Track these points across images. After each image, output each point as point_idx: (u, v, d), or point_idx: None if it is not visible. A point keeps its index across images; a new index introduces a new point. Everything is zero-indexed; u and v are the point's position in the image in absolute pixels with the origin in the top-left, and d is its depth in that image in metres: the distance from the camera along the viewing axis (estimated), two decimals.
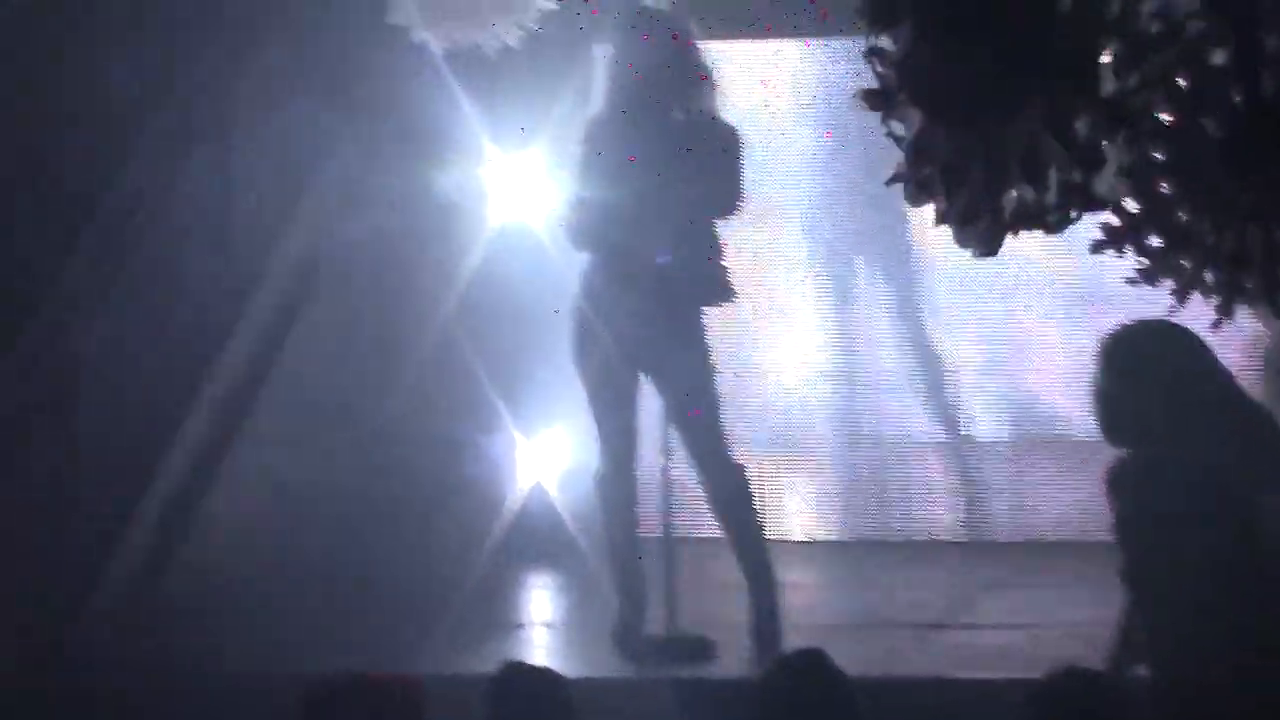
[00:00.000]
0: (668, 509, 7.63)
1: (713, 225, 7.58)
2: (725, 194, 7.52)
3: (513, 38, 7.63)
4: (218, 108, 8.64)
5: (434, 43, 7.64)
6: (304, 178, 8.97)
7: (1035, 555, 9.43)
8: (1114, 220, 3.89)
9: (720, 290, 7.61)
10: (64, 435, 7.97)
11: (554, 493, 9.46)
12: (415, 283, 9.20)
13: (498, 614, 8.58)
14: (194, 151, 8.53)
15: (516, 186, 9.45)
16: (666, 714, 7.03)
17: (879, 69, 3.86)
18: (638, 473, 7.72)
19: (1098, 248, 3.94)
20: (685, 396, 7.57)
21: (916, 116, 3.81)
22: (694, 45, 7.55)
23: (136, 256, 8.31)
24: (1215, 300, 3.91)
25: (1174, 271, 3.88)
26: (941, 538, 9.80)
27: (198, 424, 8.41)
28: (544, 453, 9.66)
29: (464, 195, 9.29)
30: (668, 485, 7.66)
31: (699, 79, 7.53)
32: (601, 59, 7.82)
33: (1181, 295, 3.97)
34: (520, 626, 8.55)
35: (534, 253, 8.97)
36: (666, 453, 7.63)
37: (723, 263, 7.60)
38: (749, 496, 7.67)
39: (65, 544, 7.85)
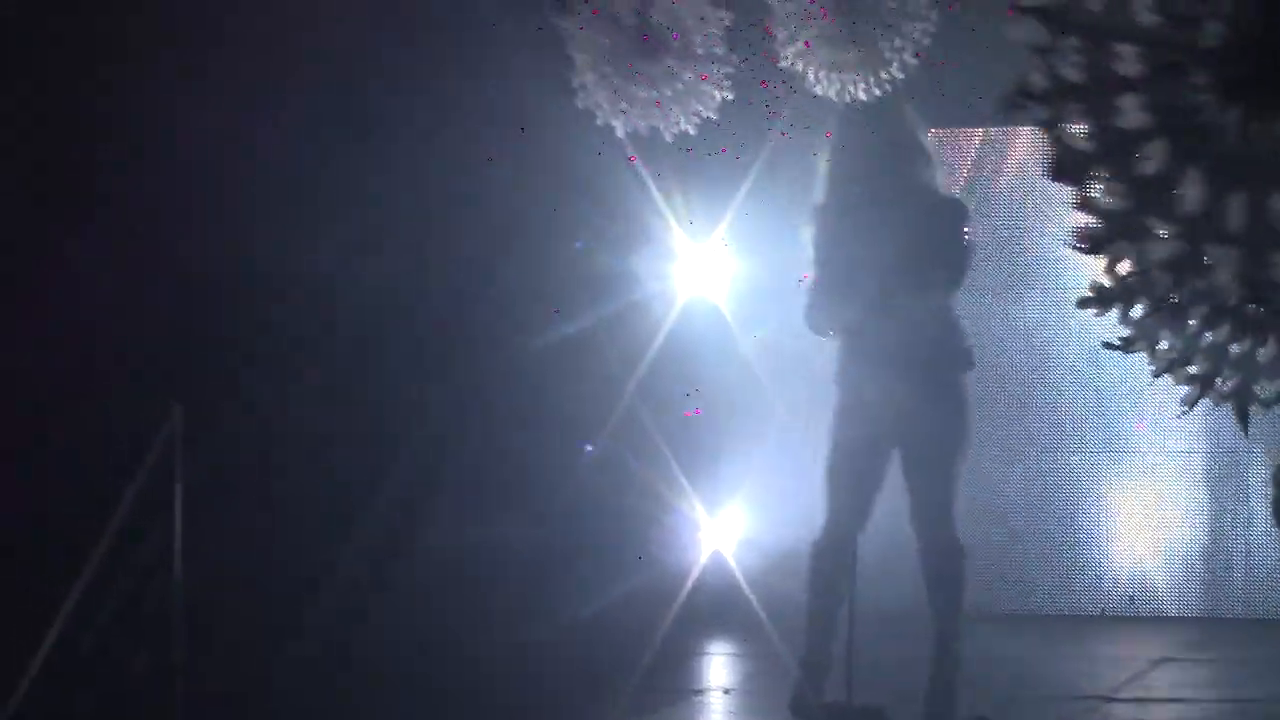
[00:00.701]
0: (853, 580, 7.69)
1: (948, 298, 7.72)
2: (955, 266, 7.63)
3: (691, 125, 7.75)
4: (415, 187, 8.88)
5: (619, 128, 7.80)
6: (493, 262, 9.19)
7: (1205, 631, 9.46)
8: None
9: (963, 361, 7.67)
10: (263, 499, 8.22)
11: (733, 563, 9.62)
12: (601, 362, 9.37)
13: (679, 680, 8.72)
14: (385, 234, 8.77)
15: (699, 266, 9.66)
16: None
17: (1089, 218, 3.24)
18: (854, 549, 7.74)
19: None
20: (930, 469, 7.61)
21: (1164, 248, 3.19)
22: (917, 130, 7.70)
23: (330, 335, 8.54)
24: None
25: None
26: (1113, 613, 9.85)
27: (388, 495, 8.63)
28: (724, 525, 9.83)
29: (649, 275, 9.49)
30: (855, 557, 7.75)
31: (924, 160, 7.66)
32: (826, 147, 7.92)
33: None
34: (699, 692, 8.69)
35: (717, 330, 9.16)
36: (862, 526, 7.72)
37: (962, 333, 7.69)
38: (961, 578, 7.68)
39: (262, 600, 8.08)
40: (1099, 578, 9.96)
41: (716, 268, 9.76)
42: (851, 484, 7.64)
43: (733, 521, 9.91)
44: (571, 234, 9.29)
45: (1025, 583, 10.01)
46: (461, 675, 8.18)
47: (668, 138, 7.76)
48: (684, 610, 9.19)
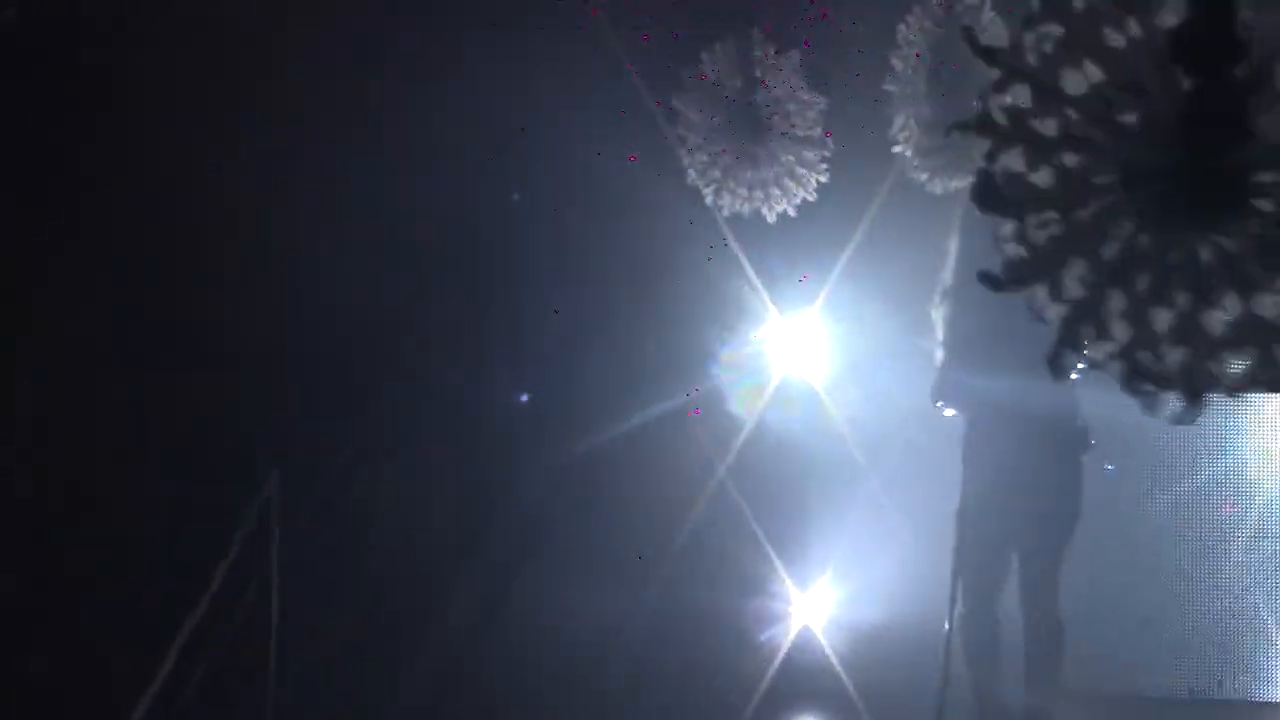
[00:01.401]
0: (948, 661, 7.74)
1: (1073, 380, 7.80)
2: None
3: (792, 206, 7.81)
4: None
5: (725, 208, 7.90)
6: (591, 342, 9.22)
7: None
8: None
9: (1081, 442, 7.86)
10: (360, 572, 8.24)
11: (822, 640, 9.58)
12: (694, 441, 9.38)
13: None
14: (487, 309, 8.82)
15: (793, 345, 9.65)
16: None
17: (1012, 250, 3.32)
18: (997, 617, 7.93)
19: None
20: (1044, 547, 7.84)
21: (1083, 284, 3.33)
22: None
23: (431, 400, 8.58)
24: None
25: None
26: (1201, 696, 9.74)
27: (484, 565, 8.64)
28: (814, 602, 9.78)
29: (743, 354, 9.50)
30: (951, 638, 7.78)
31: None
32: (953, 226, 8.04)
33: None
34: None
35: (810, 408, 9.15)
36: (952, 606, 7.77)
37: (1080, 414, 7.86)
38: (1059, 652, 7.89)
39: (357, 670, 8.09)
40: (1184, 658, 9.84)
41: (810, 342, 9.74)
42: (980, 562, 7.85)
43: (822, 599, 9.86)
44: (661, 316, 9.29)
45: (1112, 660, 9.89)
46: None
47: (770, 218, 7.82)
48: (772, 686, 9.16)
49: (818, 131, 7.61)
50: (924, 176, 7.54)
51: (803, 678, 9.59)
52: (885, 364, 9.60)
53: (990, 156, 3.14)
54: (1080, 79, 2.89)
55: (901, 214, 9.06)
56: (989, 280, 3.31)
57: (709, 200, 7.70)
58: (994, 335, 7.73)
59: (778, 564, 9.60)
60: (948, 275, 7.97)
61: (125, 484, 7.98)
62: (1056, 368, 3.31)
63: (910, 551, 9.51)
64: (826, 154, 7.66)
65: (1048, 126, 2.96)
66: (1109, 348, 3.36)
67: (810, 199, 7.76)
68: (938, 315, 7.97)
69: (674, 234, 8.85)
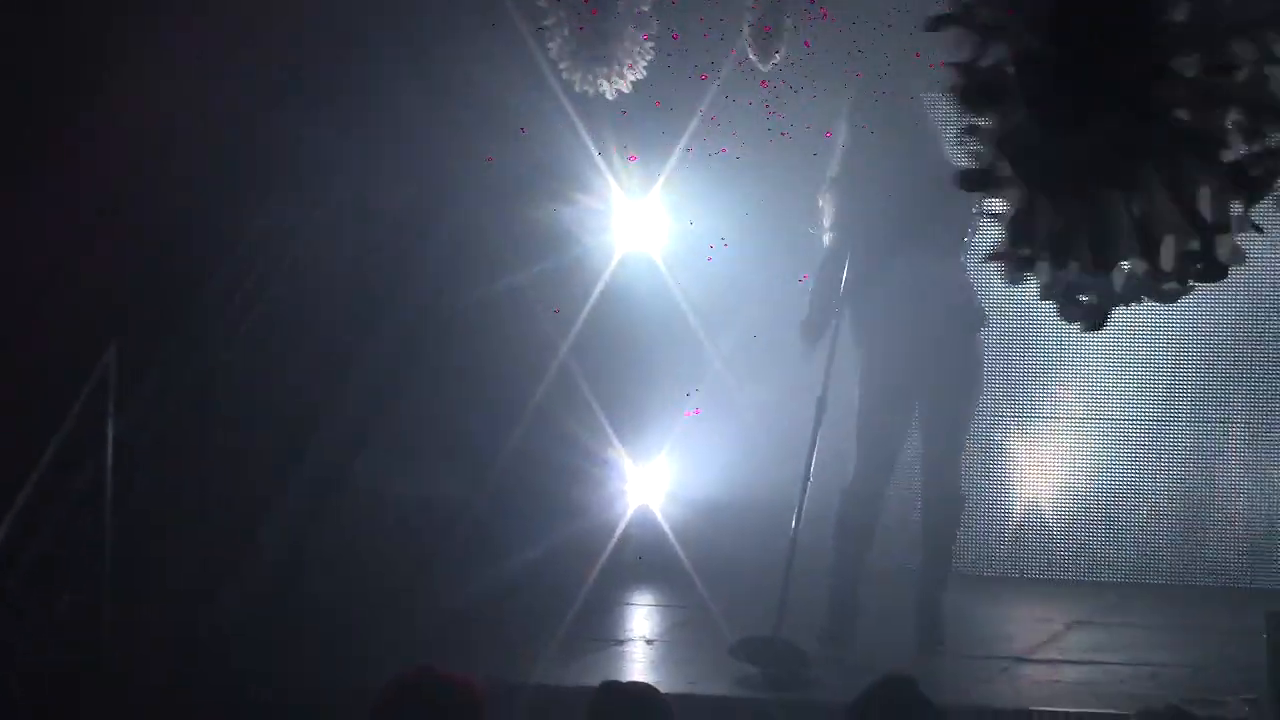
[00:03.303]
0: (798, 529, 7.73)
1: (959, 258, 7.95)
2: (961, 229, 7.91)
3: (626, 84, 7.84)
4: (357, 146, 8.82)
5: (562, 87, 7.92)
6: (431, 214, 9.13)
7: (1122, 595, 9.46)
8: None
9: (975, 320, 7.96)
10: (203, 446, 8.13)
11: (659, 515, 9.58)
12: (535, 315, 9.30)
13: (603, 630, 8.65)
14: (332, 189, 8.71)
15: (635, 221, 9.58)
16: None
17: (976, 147, 3.60)
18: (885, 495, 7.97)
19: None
20: (944, 423, 7.94)
21: (1018, 193, 3.58)
22: (921, 99, 7.98)
23: (273, 281, 8.45)
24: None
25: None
26: (1030, 575, 9.83)
27: (326, 443, 8.55)
28: (652, 477, 9.77)
29: (584, 231, 9.43)
30: (802, 503, 7.76)
31: (930, 130, 7.96)
32: (840, 120, 8.12)
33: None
34: (622, 642, 8.65)
35: (652, 283, 9.11)
36: (808, 475, 7.76)
37: (972, 293, 7.97)
38: (957, 525, 8.12)
39: (200, 546, 7.99)
40: (1020, 541, 9.92)
41: (652, 223, 9.67)
42: (879, 436, 7.89)
43: (660, 474, 9.84)
44: (507, 190, 9.21)
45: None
46: (389, 625, 8.10)
47: (610, 95, 7.81)
48: (610, 562, 9.14)
49: (647, 8, 7.63)
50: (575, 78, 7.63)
51: (639, 551, 9.60)
52: (731, 245, 9.57)
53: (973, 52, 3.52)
54: None
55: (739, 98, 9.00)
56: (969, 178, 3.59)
57: (564, 75, 7.67)
58: (884, 220, 7.85)
59: (615, 440, 9.56)
60: (835, 165, 8.03)
61: None
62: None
63: (750, 428, 9.50)
64: (652, 33, 7.68)
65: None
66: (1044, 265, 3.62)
67: (640, 76, 7.79)
68: (825, 202, 8.00)
69: (516, 112, 8.78)
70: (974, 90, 3.53)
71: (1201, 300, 9.21)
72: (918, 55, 7.54)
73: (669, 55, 8.59)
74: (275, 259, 8.40)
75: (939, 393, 7.90)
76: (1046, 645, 8.33)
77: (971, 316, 7.95)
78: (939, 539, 8.04)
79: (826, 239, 8.00)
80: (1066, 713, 7.05)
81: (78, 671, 7.33)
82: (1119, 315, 3.69)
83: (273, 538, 8.25)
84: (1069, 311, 3.68)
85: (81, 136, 8.22)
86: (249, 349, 8.24)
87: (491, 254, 9.19)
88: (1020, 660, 8.02)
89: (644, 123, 9.33)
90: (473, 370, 9.16)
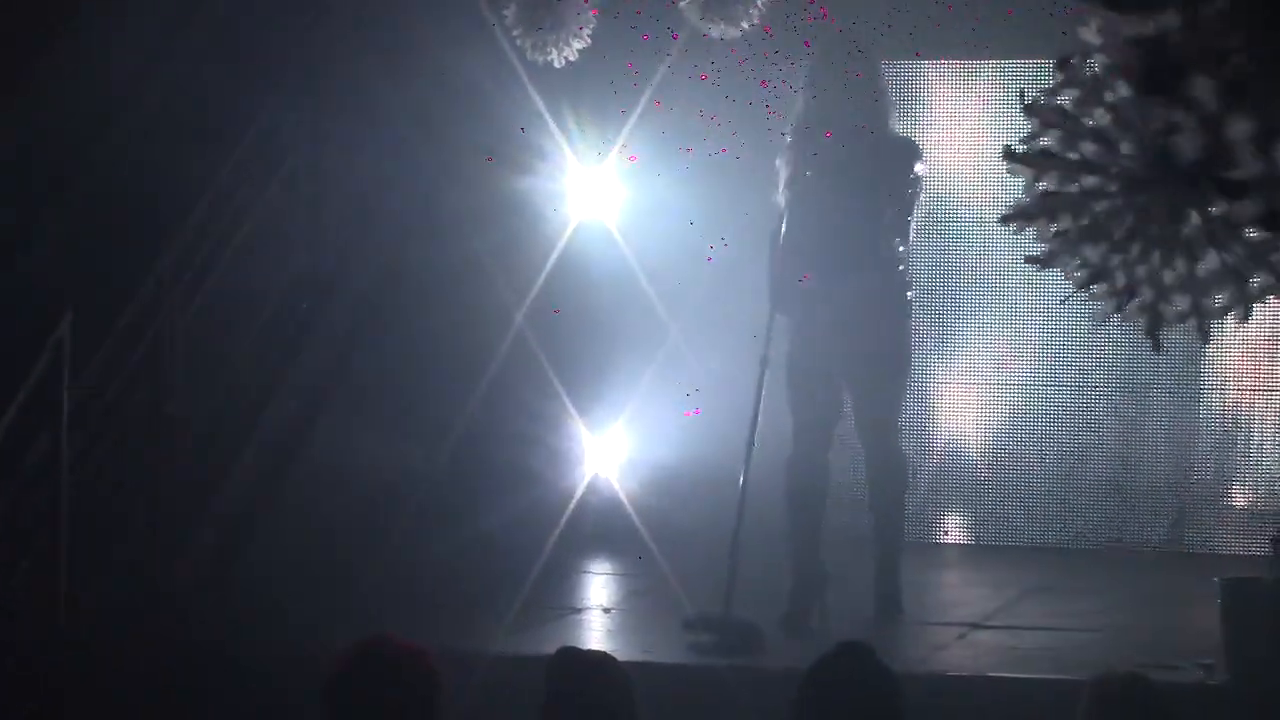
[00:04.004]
0: (743, 502, 7.67)
1: (894, 240, 7.84)
2: (902, 208, 7.83)
3: (572, 53, 7.88)
4: (310, 114, 8.77)
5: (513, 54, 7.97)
6: (386, 183, 9.08)
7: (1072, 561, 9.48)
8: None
9: (900, 304, 7.89)
10: (154, 415, 8.06)
11: (616, 484, 9.55)
12: (492, 284, 9.26)
13: (560, 599, 8.63)
14: (286, 158, 8.66)
15: (590, 190, 9.54)
16: (717, 699, 7.06)
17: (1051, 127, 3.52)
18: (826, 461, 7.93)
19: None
20: (874, 389, 7.88)
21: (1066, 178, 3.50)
22: (877, 71, 7.94)
23: (226, 251, 8.40)
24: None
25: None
26: (986, 542, 9.84)
27: (280, 412, 8.50)
28: (609, 446, 9.74)
29: (540, 199, 9.40)
30: (746, 481, 7.70)
31: (877, 99, 7.86)
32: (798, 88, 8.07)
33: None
34: (579, 610, 8.62)
35: (608, 252, 9.09)
36: (749, 449, 7.70)
37: (899, 260, 7.86)
38: (905, 487, 8.10)
39: (153, 516, 7.93)
40: (974, 507, 9.91)
41: (610, 191, 9.64)
42: (809, 403, 7.83)
43: (616, 443, 9.81)
44: (463, 157, 9.15)
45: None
46: (345, 593, 8.06)
47: (558, 64, 7.86)
48: (566, 530, 9.11)
49: None
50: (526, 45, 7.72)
51: (595, 522, 9.58)
52: (687, 212, 9.54)
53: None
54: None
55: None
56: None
57: (518, 43, 7.70)
58: (819, 182, 7.78)
59: (571, 408, 9.52)
60: (790, 129, 7.94)
61: None
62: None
63: (707, 396, 9.48)
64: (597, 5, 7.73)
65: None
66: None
67: (585, 44, 7.81)
68: (780, 165, 7.93)
69: (470, 80, 8.74)
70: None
71: None
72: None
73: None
74: (228, 229, 8.32)
75: (867, 361, 7.82)
76: (1003, 611, 8.33)
77: (898, 285, 7.86)
78: (886, 504, 7.99)
79: (780, 201, 7.92)
80: (1024, 679, 7.05)
81: (32, 642, 7.27)
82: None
83: (225, 507, 8.18)
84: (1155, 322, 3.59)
85: (32, 105, 8.16)
86: (202, 319, 8.16)
87: (447, 223, 9.13)
88: (977, 627, 8.01)
89: (598, 89, 9.30)
90: (428, 339, 9.11)
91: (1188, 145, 3.38)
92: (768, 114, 9.04)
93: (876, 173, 7.74)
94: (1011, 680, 7.06)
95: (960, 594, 8.86)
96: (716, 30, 7.80)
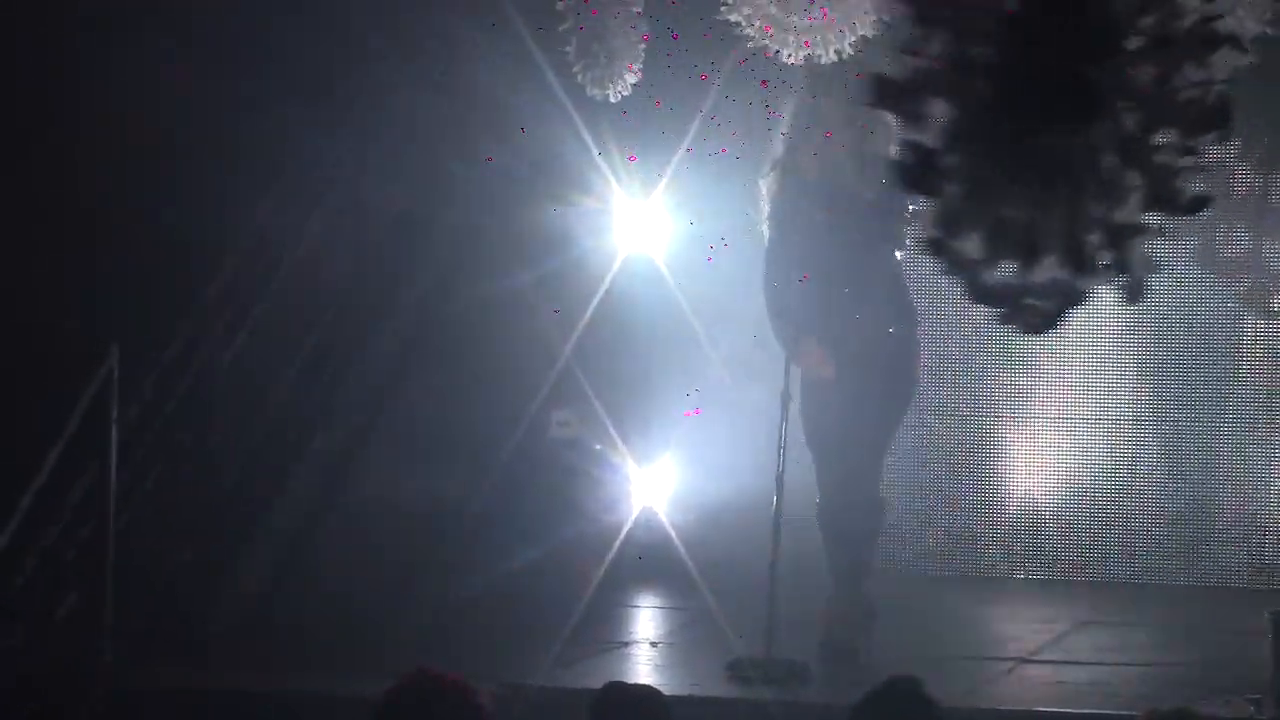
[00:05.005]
0: (777, 541, 7.58)
1: (894, 250, 7.71)
2: (899, 236, 7.67)
3: (625, 87, 7.83)
4: (355, 147, 8.79)
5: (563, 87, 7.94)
6: (430, 215, 9.09)
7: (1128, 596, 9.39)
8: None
9: (908, 317, 7.74)
10: (200, 444, 8.07)
11: (664, 517, 9.49)
12: (539, 317, 9.23)
13: (607, 633, 8.57)
14: (330, 187, 8.68)
15: (637, 223, 9.51)
16: None
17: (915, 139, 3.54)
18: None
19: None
20: (868, 421, 7.60)
21: (954, 189, 3.52)
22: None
23: (272, 283, 8.40)
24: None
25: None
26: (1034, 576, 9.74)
27: (325, 445, 8.49)
28: (656, 480, 9.69)
29: (586, 232, 9.38)
30: (779, 517, 7.62)
31: (867, 126, 7.59)
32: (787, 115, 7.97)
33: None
34: (626, 644, 8.56)
35: (654, 285, 9.06)
36: (780, 488, 7.60)
37: (904, 289, 7.73)
38: (878, 531, 7.80)
39: (198, 547, 7.93)
40: (1023, 542, 9.81)
41: (654, 224, 9.60)
42: (835, 442, 7.59)
43: (664, 477, 9.75)
44: (507, 191, 9.14)
45: (953, 546, 9.82)
46: (392, 626, 8.03)
47: (613, 99, 7.80)
48: (614, 564, 9.06)
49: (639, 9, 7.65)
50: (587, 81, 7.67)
51: (643, 556, 9.52)
52: (731, 246, 9.49)
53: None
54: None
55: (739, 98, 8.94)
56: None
57: (579, 79, 7.66)
58: (821, 209, 7.62)
59: (619, 442, 9.47)
60: (779, 146, 7.76)
61: None
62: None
63: (752, 430, 9.40)
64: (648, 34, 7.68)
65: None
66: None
67: (637, 79, 7.76)
68: (765, 185, 7.75)
69: (516, 112, 8.73)
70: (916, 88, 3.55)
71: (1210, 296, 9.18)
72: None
73: (669, 55, 8.55)
74: (274, 260, 8.32)
75: (865, 391, 7.57)
76: (1051, 646, 8.25)
77: (905, 312, 7.70)
78: (847, 547, 7.66)
79: (765, 230, 7.73)
80: (1072, 713, 6.98)
81: (79, 674, 7.26)
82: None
83: (271, 540, 8.16)
84: (1017, 316, 3.63)
85: (75, 140, 8.17)
86: (249, 350, 8.16)
87: (492, 255, 9.11)
88: (1025, 661, 7.94)
89: (645, 124, 9.26)
90: (474, 371, 9.09)
91: None
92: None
93: (871, 199, 7.59)
94: (1060, 715, 7.00)
95: (1009, 628, 8.76)
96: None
